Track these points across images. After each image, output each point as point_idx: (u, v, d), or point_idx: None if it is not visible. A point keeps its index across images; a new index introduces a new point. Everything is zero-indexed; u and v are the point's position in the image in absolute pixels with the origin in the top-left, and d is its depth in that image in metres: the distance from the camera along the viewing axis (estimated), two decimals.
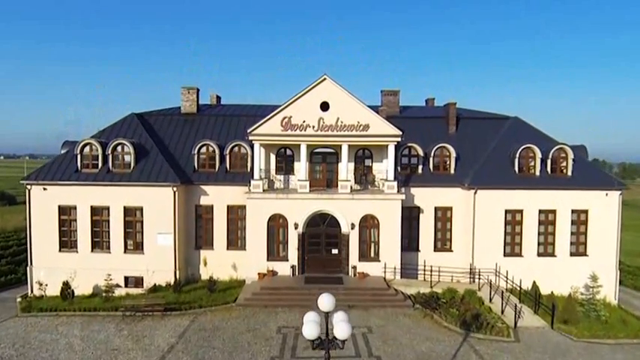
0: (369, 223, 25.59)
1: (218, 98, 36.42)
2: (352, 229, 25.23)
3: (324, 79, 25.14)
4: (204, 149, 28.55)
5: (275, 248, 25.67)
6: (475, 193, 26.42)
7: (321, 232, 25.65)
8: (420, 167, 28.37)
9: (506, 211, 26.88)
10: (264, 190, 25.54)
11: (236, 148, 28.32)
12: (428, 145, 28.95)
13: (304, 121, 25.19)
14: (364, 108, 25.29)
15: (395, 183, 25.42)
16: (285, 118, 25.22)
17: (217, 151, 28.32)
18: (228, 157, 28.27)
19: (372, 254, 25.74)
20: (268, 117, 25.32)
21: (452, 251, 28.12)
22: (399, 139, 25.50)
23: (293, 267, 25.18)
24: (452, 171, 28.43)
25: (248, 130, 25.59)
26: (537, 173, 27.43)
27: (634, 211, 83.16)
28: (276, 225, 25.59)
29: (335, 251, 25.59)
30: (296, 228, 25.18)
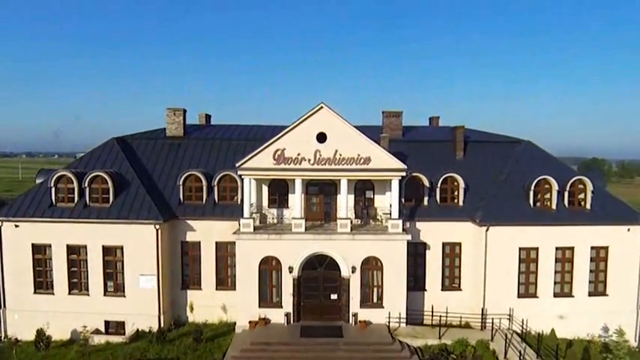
0: (371, 265, 23.29)
1: (207, 118, 34.03)
2: (353, 272, 22.92)
3: (321, 107, 22.75)
4: (190, 179, 26.19)
5: (268, 293, 23.35)
6: (487, 230, 24.15)
7: (319, 276, 23.35)
8: (426, 199, 26.08)
9: (521, 249, 24.64)
10: (255, 229, 23.18)
11: (225, 179, 25.96)
12: (434, 174, 26.66)
13: (299, 154, 22.81)
14: (365, 139, 22.92)
15: (400, 221, 23.09)
16: (277, 150, 22.83)
17: (204, 182, 25.96)
18: (216, 189, 25.91)
19: (375, 299, 23.46)
20: (259, 149, 22.92)
21: (461, 290, 25.92)
22: (403, 174, 23.16)
23: (287, 314, 22.89)
24: (460, 203, 26.16)
25: (237, 164, 23.21)
26: (554, 207, 25.17)
27: None
28: (269, 268, 23.26)
29: (334, 296, 23.30)
30: (290, 272, 22.86)
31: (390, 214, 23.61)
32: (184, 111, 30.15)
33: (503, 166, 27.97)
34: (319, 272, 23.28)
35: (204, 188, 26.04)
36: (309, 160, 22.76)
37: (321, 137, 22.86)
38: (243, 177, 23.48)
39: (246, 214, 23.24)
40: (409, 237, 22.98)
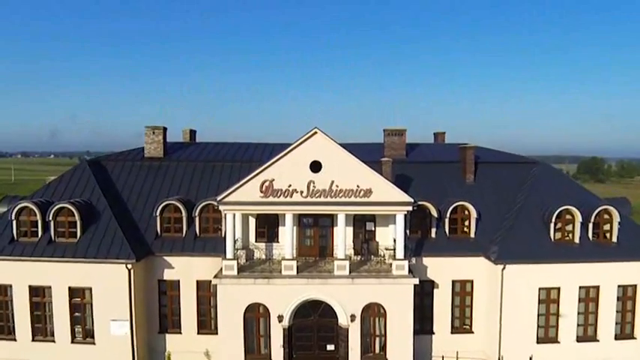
0: (373, 312, 20.48)
1: (192, 134, 31.14)
2: (352, 321, 20.08)
3: (315, 132, 19.87)
4: (168, 209, 23.31)
5: (255, 344, 20.51)
6: (503, 269, 21.38)
7: (313, 325, 20.52)
8: (434, 230, 23.27)
9: (540, 289, 21.90)
10: (239, 271, 20.31)
11: (208, 209, 23.08)
12: (442, 201, 23.90)
13: (290, 186, 19.95)
14: (365, 169, 20.06)
15: (405, 262, 20.28)
16: (265, 181, 19.96)
17: (184, 213, 23.08)
18: (197, 220, 23.05)
19: (378, 350, 20.65)
20: (244, 181, 20.05)
21: (472, 332, 23.17)
22: (409, 208, 20.31)
23: None
24: (472, 234, 23.39)
25: (218, 199, 20.33)
26: (577, 240, 22.44)
27: None
28: (256, 316, 20.41)
29: (330, 347, 20.48)
30: (280, 321, 20.00)
31: (395, 252, 20.77)
32: (164, 129, 27.26)
33: (518, 192, 25.22)
34: (313, 320, 20.45)
35: (184, 219, 23.17)
36: (302, 193, 19.90)
37: (316, 166, 20.00)
38: (225, 212, 20.57)
39: (229, 253, 20.36)
40: (416, 281, 20.17)
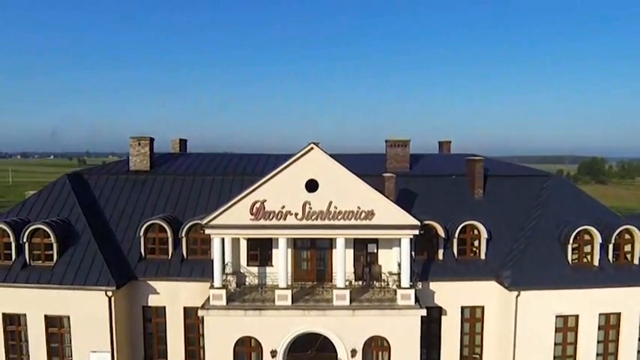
0: (376, 346, 18.68)
1: (182, 144, 29.35)
2: (353, 356, 18.28)
3: (311, 148, 18.07)
4: (153, 229, 21.54)
5: None
6: (518, 295, 19.62)
7: None
8: (441, 252, 21.48)
9: (557, 317, 20.14)
10: (228, 300, 18.50)
11: (196, 229, 21.25)
12: (449, 218, 22.12)
13: (284, 207, 18.14)
14: (367, 188, 18.25)
15: (412, 292, 18.48)
16: (256, 202, 18.14)
17: (170, 233, 21.29)
18: (184, 241, 21.27)
19: None
20: (232, 202, 18.23)
21: None
22: (416, 232, 18.50)
23: None
24: (482, 255, 21.63)
25: (203, 222, 18.52)
26: (596, 263, 20.70)
27: None
28: (247, 351, 18.62)
29: None
30: (274, 356, 18.22)
31: (399, 278, 18.97)
32: (151, 140, 25.45)
33: (530, 208, 23.45)
34: (310, 355, 18.65)
35: (170, 240, 21.39)
36: (297, 215, 18.10)
37: (312, 185, 18.20)
38: (212, 237, 18.75)
39: (217, 281, 18.55)
40: (423, 312, 18.37)
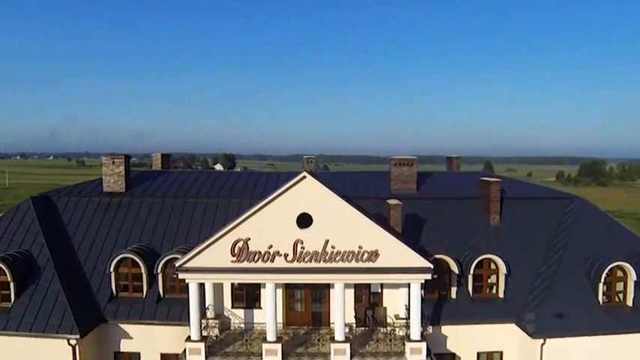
0: None
1: (165, 159, 26.68)
2: None
3: (304, 177, 15.39)
4: (125, 264, 18.89)
5: None
6: (543, 344, 16.96)
7: None
8: (454, 290, 18.85)
9: None
10: (208, 355, 15.80)
11: (173, 263, 18.50)
12: (462, 248, 19.53)
13: (271, 247, 15.46)
14: (370, 224, 15.58)
15: (423, 345, 15.81)
16: (238, 241, 15.46)
17: (144, 269, 18.64)
18: (161, 278, 18.62)
19: None
20: (210, 241, 15.53)
21: None
22: (428, 276, 15.79)
23: None
24: (500, 294, 19.02)
25: (176, 265, 15.85)
26: (629, 303, 18.11)
27: None
28: None
29: None
30: None
31: (407, 324, 16.29)
32: (127, 158, 22.78)
33: (553, 236, 20.81)
34: None
35: (145, 276, 18.74)
36: (287, 256, 15.42)
37: (305, 221, 15.52)
38: (187, 281, 16.03)
39: (194, 333, 15.84)
40: None
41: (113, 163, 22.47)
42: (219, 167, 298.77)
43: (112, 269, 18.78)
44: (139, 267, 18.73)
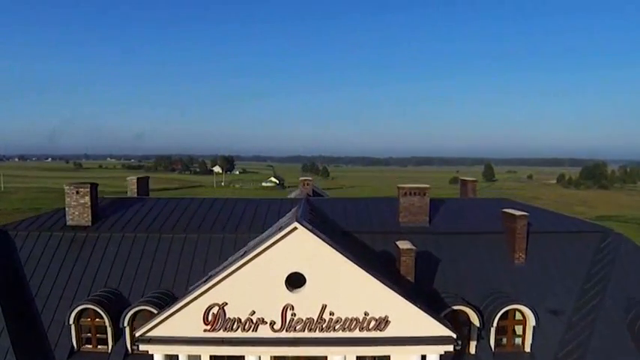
0: None
1: (142, 184, 23.65)
2: None
3: (294, 228, 12.39)
4: (87, 315, 15.95)
5: None
6: None
7: None
8: (474, 344, 15.94)
9: None
10: None
11: (144, 315, 15.67)
12: (484, 297, 16.59)
13: (254, 314, 12.51)
14: (378, 285, 12.59)
15: None
16: (212, 307, 12.50)
17: (109, 322, 15.70)
18: (128, 331, 15.65)
19: None
20: (175, 307, 12.57)
21: None
22: (449, 348, 12.83)
23: None
24: (527, 347, 16.18)
25: (137, 334, 12.87)
26: None
27: None
28: None
29: None
30: None
31: None
32: (93, 187, 19.78)
33: (586, 278, 17.87)
34: None
35: (110, 330, 15.83)
36: (273, 324, 12.47)
37: (296, 281, 12.56)
38: (151, 353, 13.06)
39: None
40: None
41: (77, 192, 19.48)
42: (217, 169, 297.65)
43: (71, 321, 15.87)
44: (103, 318, 15.80)
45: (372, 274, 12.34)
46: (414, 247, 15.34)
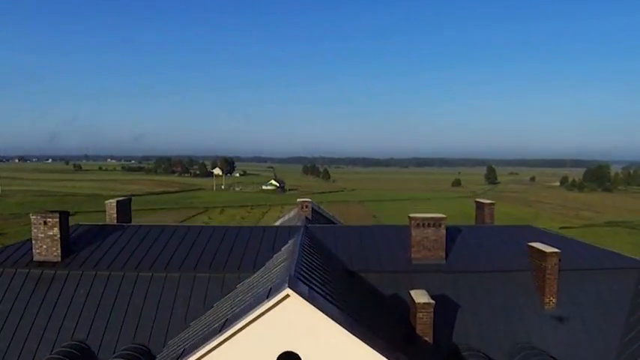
0: None
1: (121, 208, 21.27)
2: None
3: (287, 295, 9.96)
4: None
5: None
6: None
7: None
8: None
9: None
10: None
11: None
12: (511, 353, 14.25)
13: None
14: None
15: None
16: None
17: None
18: None
19: None
20: None
21: None
22: None
23: None
24: None
25: None
26: None
27: None
28: None
29: None
30: None
31: None
32: (63, 216, 17.38)
33: (628, 327, 15.47)
34: None
35: None
36: None
37: None
38: None
39: None
40: None
41: (45, 223, 17.10)
42: (217, 171, 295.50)
43: None
44: None
45: (383, 352, 9.88)
46: (432, 302, 12.92)
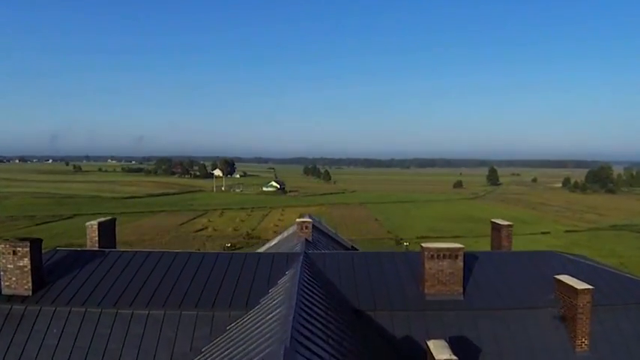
0: None
1: (104, 230, 19.47)
2: None
3: None
4: None
5: None
6: None
7: None
8: None
9: None
10: None
11: None
12: None
13: None
14: None
15: None
16: None
17: None
18: None
19: None
20: None
21: None
22: None
23: None
24: None
25: None
26: None
27: None
28: None
29: None
30: None
31: None
32: (34, 244, 15.56)
33: None
34: None
35: None
36: None
37: None
38: None
39: None
40: None
41: (14, 253, 15.28)
42: (218, 173, 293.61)
43: None
44: None
45: None
46: (454, 358, 11.10)
